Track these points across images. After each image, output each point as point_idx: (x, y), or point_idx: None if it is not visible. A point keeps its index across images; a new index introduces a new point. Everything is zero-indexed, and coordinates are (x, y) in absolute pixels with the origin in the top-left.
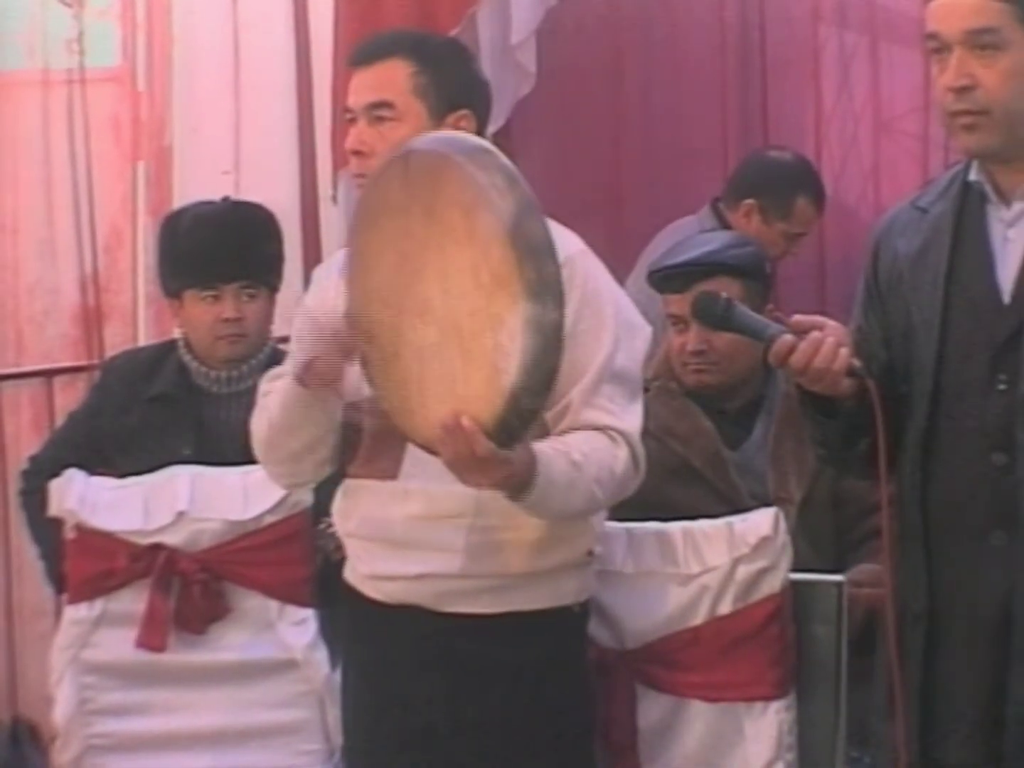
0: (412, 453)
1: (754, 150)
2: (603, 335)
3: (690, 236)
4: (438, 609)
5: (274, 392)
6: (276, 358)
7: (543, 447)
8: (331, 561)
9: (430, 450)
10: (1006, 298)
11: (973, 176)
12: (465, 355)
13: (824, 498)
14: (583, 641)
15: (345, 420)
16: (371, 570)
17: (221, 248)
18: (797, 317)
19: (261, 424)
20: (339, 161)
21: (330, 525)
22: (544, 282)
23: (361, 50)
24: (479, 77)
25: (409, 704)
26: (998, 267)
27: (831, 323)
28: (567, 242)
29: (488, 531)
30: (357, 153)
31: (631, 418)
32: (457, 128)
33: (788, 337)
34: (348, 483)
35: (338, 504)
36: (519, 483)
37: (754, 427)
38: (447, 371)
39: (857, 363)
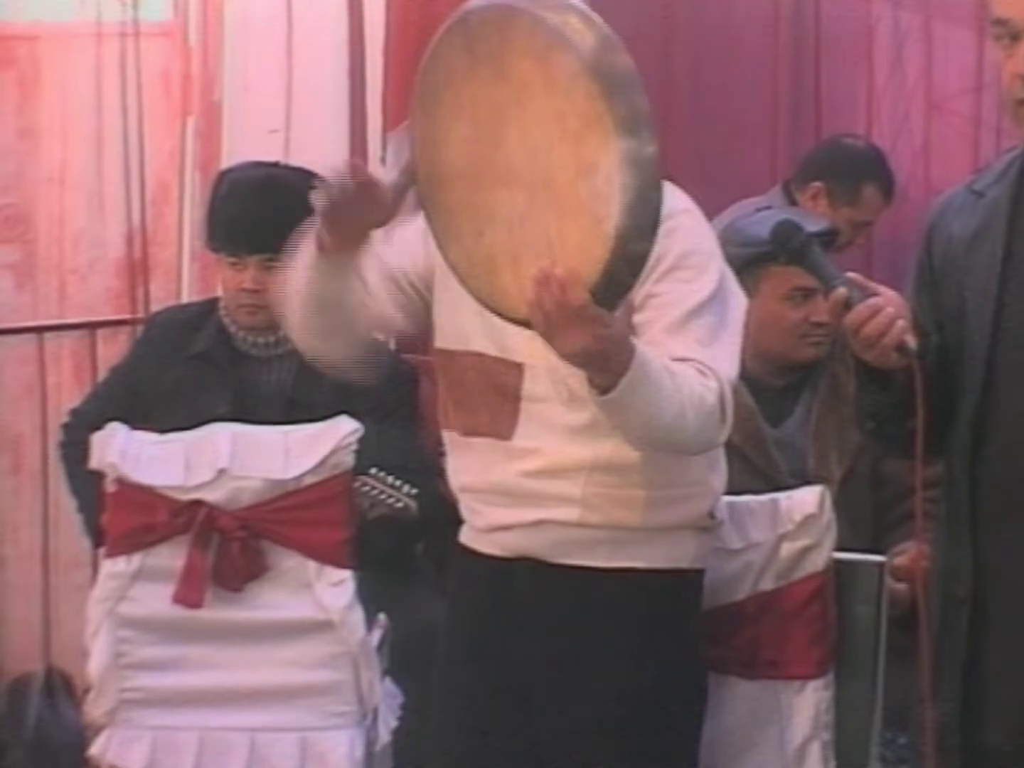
0: (526, 414)
1: (831, 136)
2: (699, 284)
3: (784, 210)
4: (553, 560)
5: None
6: None
7: (641, 345)
8: (365, 520)
9: (529, 325)
10: None
11: None
12: (560, 211)
13: (865, 478)
14: (695, 611)
15: (441, 370)
16: (487, 522)
17: (246, 219)
18: (865, 281)
19: (283, 284)
20: (389, 122)
21: (365, 484)
22: (637, 114)
23: None
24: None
25: (508, 656)
26: None
27: (895, 296)
28: (674, 198)
29: (605, 485)
30: None
31: (728, 364)
32: None
33: (844, 291)
34: (455, 438)
35: (450, 460)
36: (614, 362)
37: (797, 404)
38: (541, 234)
39: (911, 341)
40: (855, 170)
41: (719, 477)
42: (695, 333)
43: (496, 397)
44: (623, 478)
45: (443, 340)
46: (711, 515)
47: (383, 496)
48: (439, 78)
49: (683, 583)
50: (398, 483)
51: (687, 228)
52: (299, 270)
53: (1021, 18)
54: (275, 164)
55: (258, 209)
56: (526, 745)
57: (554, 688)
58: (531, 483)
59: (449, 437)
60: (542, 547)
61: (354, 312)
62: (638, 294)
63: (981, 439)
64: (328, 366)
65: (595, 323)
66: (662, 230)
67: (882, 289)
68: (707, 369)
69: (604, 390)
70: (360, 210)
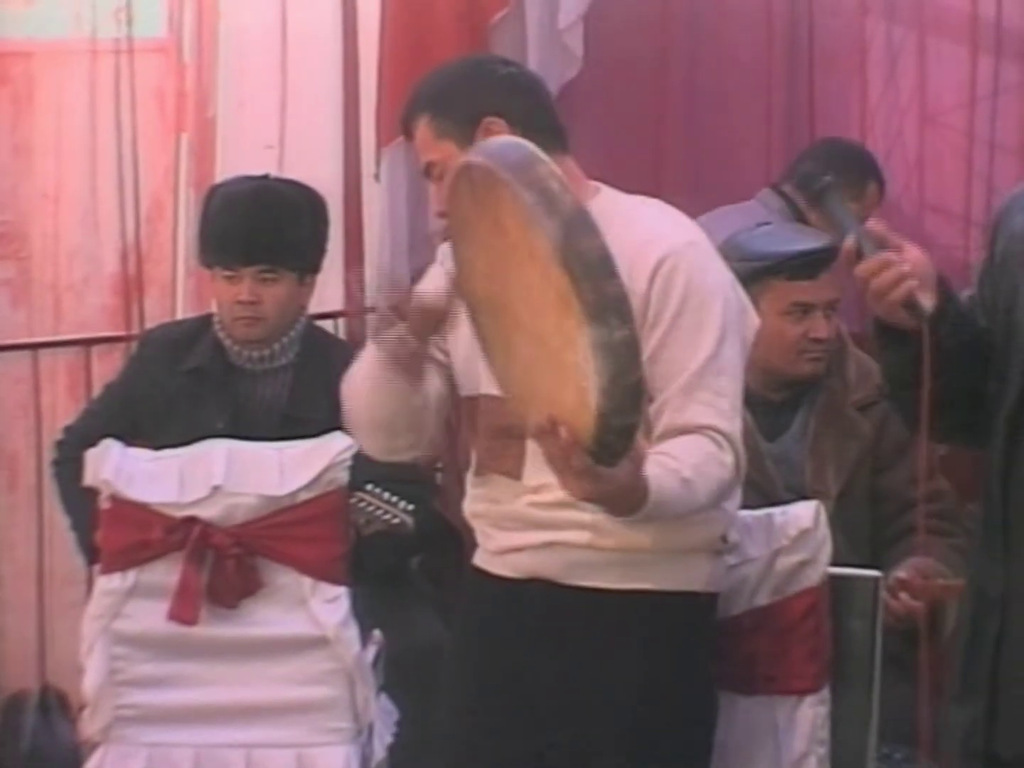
0: (533, 453)
1: (821, 139)
2: (706, 331)
3: (784, 225)
4: (566, 582)
5: (365, 360)
6: (311, 334)
7: (653, 469)
8: (360, 536)
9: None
10: None
11: None
12: (555, 369)
13: (862, 493)
14: (707, 633)
15: (464, 416)
16: (499, 545)
17: (240, 233)
18: (882, 232)
19: (348, 387)
20: (383, 138)
21: (361, 499)
22: (604, 301)
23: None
24: (496, 78)
25: (519, 678)
26: None
27: (914, 252)
28: (671, 234)
29: None
30: (441, 215)
31: (734, 417)
32: (489, 135)
33: (852, 240)
34: (471, 474)
35: (469, 487)
36: (625, 504)
37: (794, 419)
38: (548, 382)
39: (926, 302)
40: (862, 167)
41: (733, 502)
42: (708, 390)
43: (505, 437)
44: None
45: (461, 388)
46: (724, 538)
47: (379, 512)
48: (458, 214)
49: (696, 606)
50: (394, 499)
51: (687, 267)
52: (367, 392)
53: None
54: (265, 176)
55: (252, 221)
56: (534, 765)
57: (564, 708)
58: (542, 512)
59: (473, 468)
60: (553, 568)
61: (423, 418)
62: (650, 341)
63: (1017, 439)
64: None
65: (599, 480)
66: (663, 273)
67: (907, 246)
68: (723, 438)
69: (622, 518)
70: (419, 331)
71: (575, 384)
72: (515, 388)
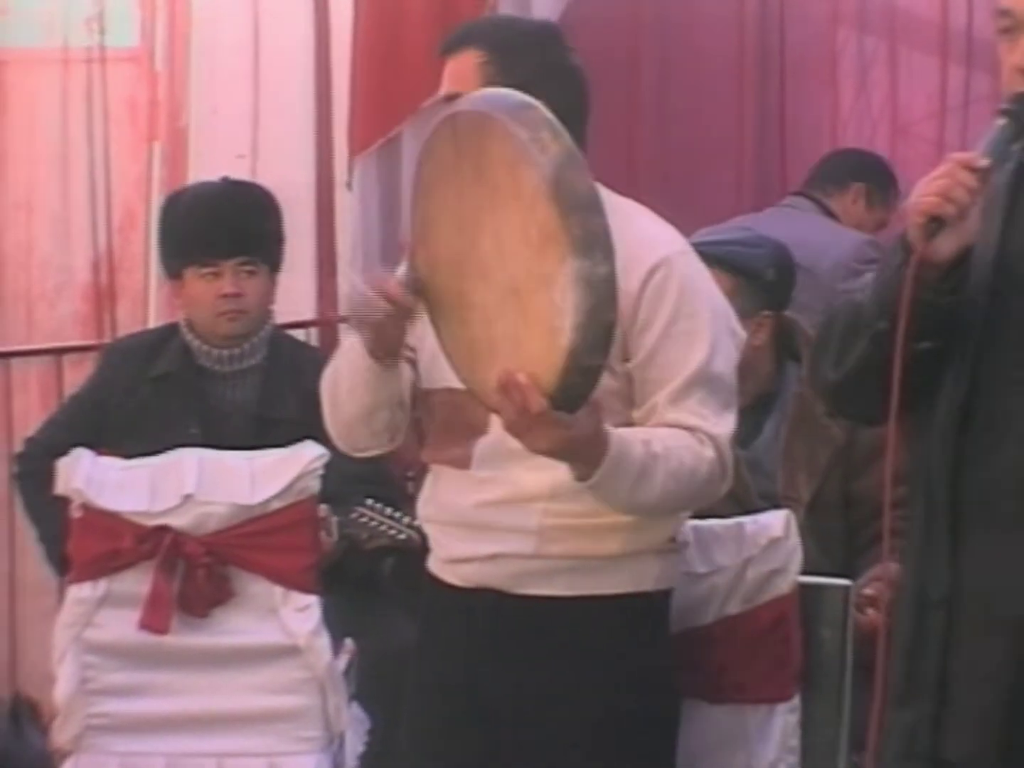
0: (483, 443)
1: (839, 149)
2: (698, 339)
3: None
4: (513, 591)
5: (345, 351)
6: (277, 337)
7: (624, 430)
8: (359, 550)
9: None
10: None
11: None
12: (525, 315)
13: (834, 499)
14: (663, 630)
15: (421, 406)
16: (448, 554)
17: (219, 223)
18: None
19: (328, 380)
20: (355, 147)
21: (362, 515)
22: (590, 236)
23: (442, 42)
24: (557, 63)
25: (471, 690)
26: None
27: (966, 187)
28: (666, 240)
29: (563, 515)
30: None
31: (724, 424)
32: None
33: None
34: (432, 469)
35: (423, 490)
36: (584, 456)
37: (765, 425)
38: (511, 332)
39: (940, 231)
40: (888, 173)
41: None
42: (696, 397)
43: (457, 429)
44: (582, 506)
45: (423, 381)
46: (672, 539)
47: (383, 527)
48: (432, 168)
49: (647, 605)
50: (397, 514)
51: (681, 276)
52: (348, 382)
53: (1021, 10)
54: (224, 178)
55: (230, 215)
56: None
57: (521, 718)
58: (488, 514)
59: (430, 472)
60: (500, 579)
61: (384, 405)
62: (641, 345)
63: (964, 435)
64: (353, 451)
65: (556, 427)
66: (657, 278)
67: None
68: (706, 437)
69: (581, 477)
70: (392, 318)
71: (545, 326)
72: (471, 350)
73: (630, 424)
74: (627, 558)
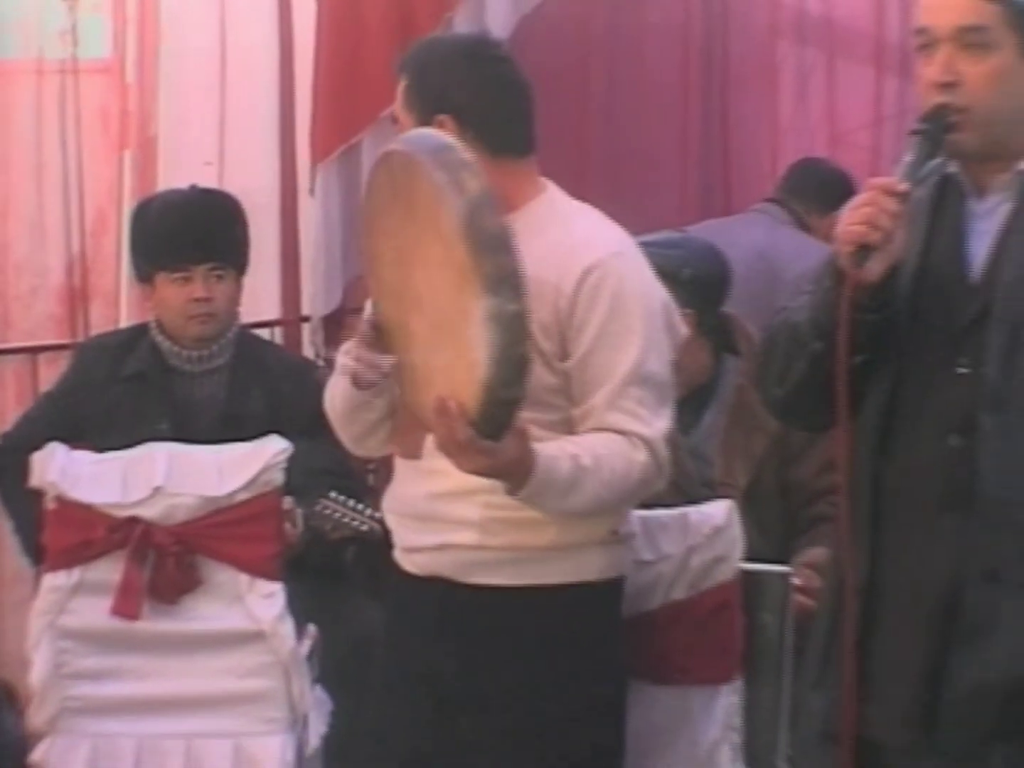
0: (432, 436)
1: (804, 159)
2: (631, 339)
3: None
4: (462, 580)
5: (336, 380)
6: (243, 337)
7: (550, 447)
8: (323, 540)
9: None
10: (973, 284)
11: (952, 169)
12: (455, 346)
13: (771, 487)
14: (611, 618)
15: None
16: (404, 543)
17: (190, 231)
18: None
19: (333, 402)
20: (318, 155)
21: (326, 507)
22: (500, 275)
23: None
24: (476, 77)
25: (427, 675)
26: (969, 255)
27: (889, 213)
28: (602, 243)
29: (503, 508)
30: None
31: (658, 423)
32: (440, 127)
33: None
34: (395, 461)
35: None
36: (512, 477)
37: (704, 415)
38: (445, 362)
39: (869, 256)
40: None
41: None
42: (632, 398)
43: (418, 424)
44: (515, 502)
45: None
46: (614, 532)
47: (346, 519)
48: (374, 204)
49: (593, 595)
50: (360, 506)
51: (614, 278)
52: (343, 406)
53: (939, 27)
54: (193, 186)
55: (200, 222)
56: (441, 758)
57: (472, 704)
58: (436, 506)
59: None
60: (449, 568)
61: (384, 419)
62: (578, 346)
63: (887, 433)
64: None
65: (480, 453)
66: (591, 281)
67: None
68: (640, 441)
69: (510, 492)
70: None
71: (467, 358)
72: (413, 374)
73: (570, 420)
74: (568, 550)
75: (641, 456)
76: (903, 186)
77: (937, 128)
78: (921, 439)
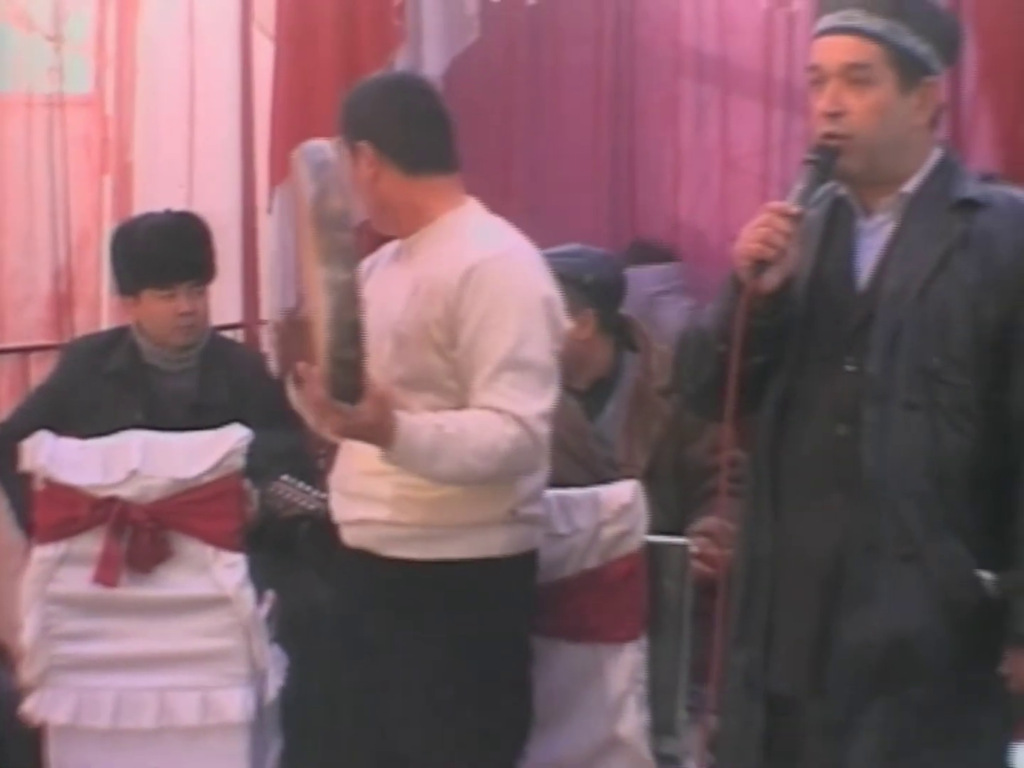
0: None
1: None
2: (507, 329)
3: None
4: (383, 553)
5: None
6: (211, 340)
7: (416, 417)
8: (276, 518)
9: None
10: (859, 292)
11: (843, 192)
12: (316, 318)
13: (668, 467)
14: (515, 592)
15: None
16: (337, 516)
17: (175, 254)
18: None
19: None
20: (275, 178)
21: (279, 488)
22: (334, 248)
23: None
24: (388, 108)
25: (360, 641)
26: (856, 267)
27: (783, 233)
28: (490, 246)
29: (412, 487)
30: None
31: (534, 403)
32: (359, 154)
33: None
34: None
35: None
36: (376, 440)
37: (607, 404)
38: (317, 335)
39: (764, 270)
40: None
41: (525, 482)
42: (506, 380)
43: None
44: (422, 482)
45: None
46: (513, 511)
47: (296, 499)
48: (299, 212)
49: (496, 569)
50: (308, 488)
51: (494, 275)
52: None
53: (828, 65)
54: (166, 212)
55: (181, 244)
56: (375, 713)
57: (396, 673)
58: (358, 483)
59: None
60: (370, 542)
61: None
62: (462, 336)
63: (784, 421)
64: None
65: (336, 414)
66: (473, 278)
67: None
68: (511, 417)
69: (381, 456)
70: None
71: (319, 326)
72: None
73: (466, 404)
74: (472, 527)
75: (511, 430)
76: (795, 209)
77: (826, 158)
78: (813, 428)
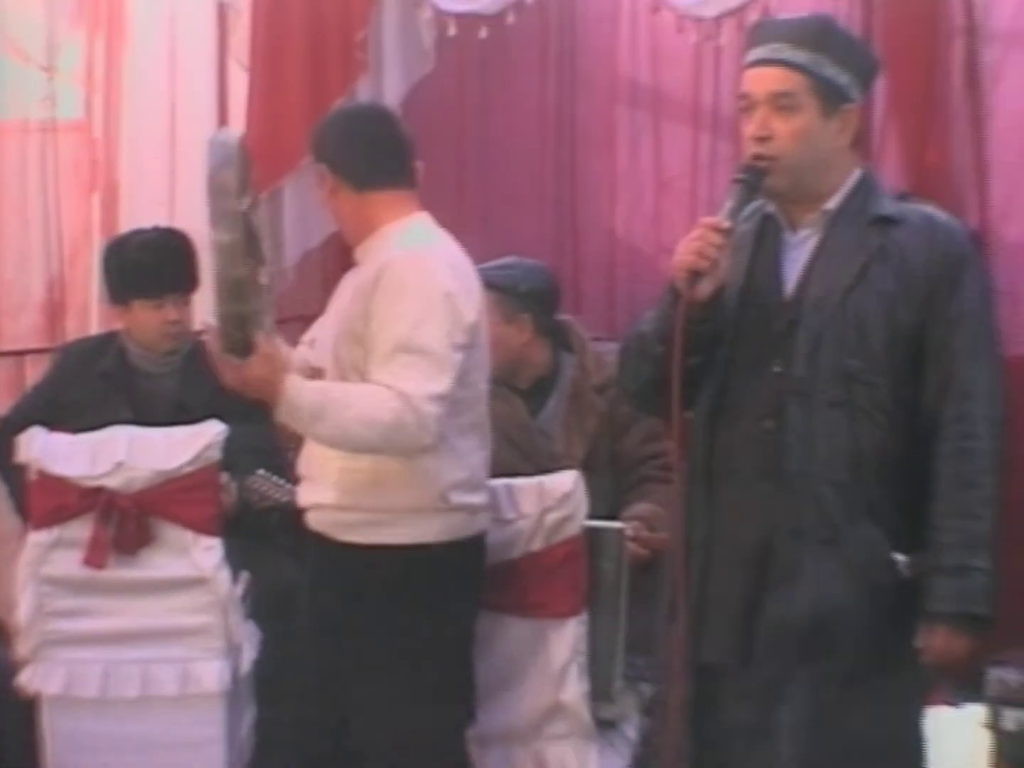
0: None
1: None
2: (404, 318)
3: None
4: (336, 538)
5: None
6: (196, 345)
7: (308, 382)
8: (252, 508)
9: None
10: (786, 300)
11: (771, 209)
12: None
13: (603, 457)
14: (451, 576)
15: None
16: (300, 502)
17: (164, 268)
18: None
19: None
20: None
21: (255, 481)
22: (221, 212)
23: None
24: (347, 135)
25: (319, 618)
26: (783, 277)
27: (715, 246)
28: (406, 248)
29: (351, 472)
30: None
31: (425, 384)
32: (320, 176)
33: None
34: None
35: None
36: (264, 396)
37: (548, 401)
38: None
39: (699, 280)
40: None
41: (452, 470)
42: (398, 362)
43: None
44: (364, 462)
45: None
46: (444, 498)
47: (271, 492)
48: None
49: (431, 555)
50: (281, 481)
51: (398, 271)
52: None
53: (757, 93)
54: (154, 228)
55: (169, 258)
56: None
57: (350, 655)
58: (313, 466)
59: None
60: (322, 525)
61: None
62: (372, 325)
63: (717, 416)
64: None
65: (227, 367)
66: (384, 274)
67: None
68: (396, 393)
69: (276, 413)
70: None
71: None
72: None
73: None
74: (407, 514)
75: (394, 404)
76: (726, 224)
77: (754, 177)
78: (743, 422)
